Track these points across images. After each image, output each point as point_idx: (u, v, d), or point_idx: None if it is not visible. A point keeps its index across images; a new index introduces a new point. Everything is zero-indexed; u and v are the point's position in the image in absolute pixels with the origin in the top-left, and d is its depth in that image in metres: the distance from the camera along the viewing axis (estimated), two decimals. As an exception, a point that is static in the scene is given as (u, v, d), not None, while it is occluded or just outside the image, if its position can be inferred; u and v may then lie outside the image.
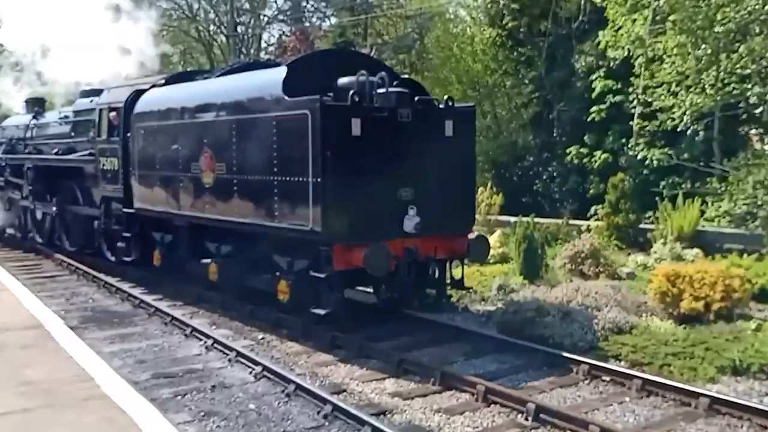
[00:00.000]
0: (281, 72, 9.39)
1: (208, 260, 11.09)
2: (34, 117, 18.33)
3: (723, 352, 8.05)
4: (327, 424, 6.65)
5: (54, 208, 16.50)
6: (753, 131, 17.65)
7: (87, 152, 14.68)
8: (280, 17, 39.51)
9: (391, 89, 9.24)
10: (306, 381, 7.63)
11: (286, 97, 8.96)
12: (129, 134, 12.92)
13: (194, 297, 11.94)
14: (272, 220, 9.30)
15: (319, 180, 8.48)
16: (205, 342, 9.34)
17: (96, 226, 14.70)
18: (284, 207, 9.11)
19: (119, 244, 13.65)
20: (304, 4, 38.86)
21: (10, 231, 19.78)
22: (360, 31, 31.57)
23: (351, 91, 8.75)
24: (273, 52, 34.45)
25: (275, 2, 40.44)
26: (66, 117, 16.47)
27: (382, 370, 8.15)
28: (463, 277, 10.23)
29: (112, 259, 14.45)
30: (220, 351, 8.97)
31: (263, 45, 39.63)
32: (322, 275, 8.71)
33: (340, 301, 9.06)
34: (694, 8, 13.45)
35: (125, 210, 13.17)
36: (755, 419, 6.51)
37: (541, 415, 6.59)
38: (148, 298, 11.84)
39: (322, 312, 8.85)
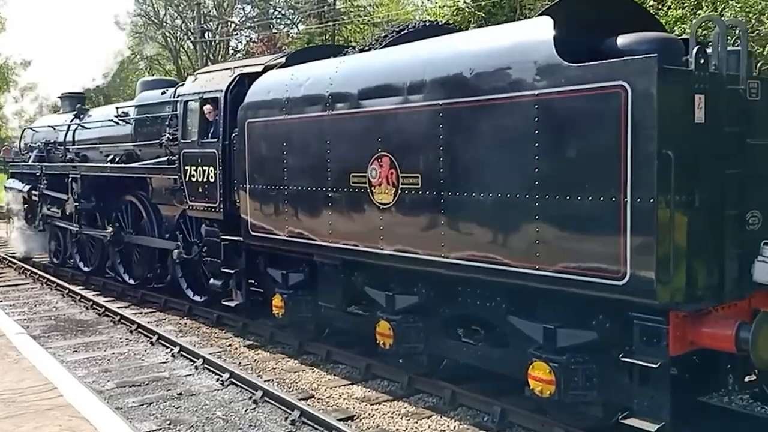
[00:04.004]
0: (544, 25, 5.96)
1: (365, 313, 8.24)
2: (76, 116, 14.93)
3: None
4: (295, 430, 6.64)
5: (110, 230, 13.00)
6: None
7: (165, 158, 11.30)
8: (248, 24, 39.48)
9: (732, 49, 5.94)
10: (273, 387, 7.60)
11: (568, 63, 5.69)
12: (234, 133, 9.54)
13: (161, 304, 11.86)
14: (526, 263, 6.03)
15: (650, 200, 5.21)
16: (172, 349, 9.25)
17: (175, 255, 11.24)
18: (556, 242, 5.83)
19: (212, 281, 10.27)
20: (271, 11, 38.88)
21: (40, 255, 16.59)
22: (328, 38, 31.60)
23: (694, 49, 5.49)
24: (241, 59, 34.32)
25: (243, 9, 40.42)
26: (125, 114, 13.06)
27: (350, 376, 8.17)
28: None
29: (199, 299, 11.30)
30: (187, 358, 8.90)
31: (231, 51, 39.51)
32: (653, 365, 5.39)
33: (674, 408, 5.50)
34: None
35: (227, 237, 9.89)
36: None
37: (508, 419, 6.65)
38: (113, 306, 11.69)
39: (652, 429, 5.37)
